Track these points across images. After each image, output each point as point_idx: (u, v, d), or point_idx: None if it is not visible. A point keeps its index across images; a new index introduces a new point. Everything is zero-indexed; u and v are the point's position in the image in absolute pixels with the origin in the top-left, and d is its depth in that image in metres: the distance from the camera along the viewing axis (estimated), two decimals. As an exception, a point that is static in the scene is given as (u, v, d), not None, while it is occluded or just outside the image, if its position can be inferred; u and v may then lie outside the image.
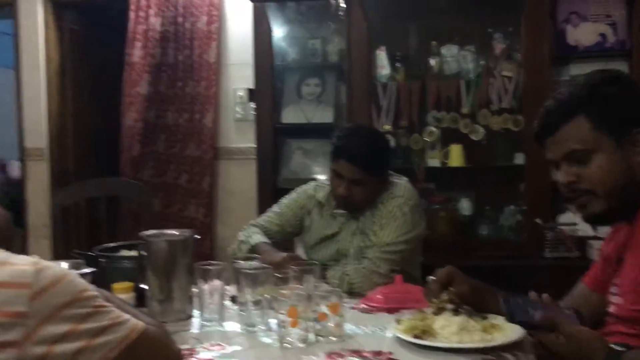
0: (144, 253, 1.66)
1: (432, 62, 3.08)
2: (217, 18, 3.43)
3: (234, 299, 1.66)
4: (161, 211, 3.37)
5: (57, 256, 3.03)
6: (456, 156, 3.03)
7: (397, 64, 3.10)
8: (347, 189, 1.90)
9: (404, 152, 3.07)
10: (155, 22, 3.45)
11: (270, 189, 3.15)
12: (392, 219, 1.91)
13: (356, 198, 1.93)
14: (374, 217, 1.95)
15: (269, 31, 3.15)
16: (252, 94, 3.40)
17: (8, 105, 6.61)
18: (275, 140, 3.23)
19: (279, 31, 3.24)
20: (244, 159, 3.43)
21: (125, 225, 3.21)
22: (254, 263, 1.66)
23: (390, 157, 2.05)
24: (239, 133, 3.51)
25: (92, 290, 1.07)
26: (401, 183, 2.00)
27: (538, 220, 2.81)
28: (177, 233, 1.70)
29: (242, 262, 1.69)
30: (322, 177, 3.13)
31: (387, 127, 3.04)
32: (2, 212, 1.17)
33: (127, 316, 1.11)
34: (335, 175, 1.94)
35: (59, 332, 0.97)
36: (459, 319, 1.34)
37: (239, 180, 3.46)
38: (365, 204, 1.96)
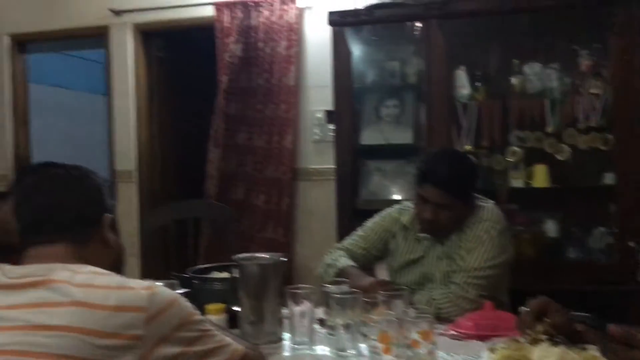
0: (236, 275, 1.72)
1: (514, 80, 3.02)
2: (296, 42, 3.51)
3: (322, 322, 1.68)
4: (242, 231, 3.46)
5: (146, 275, 3.16)
6: (541, 176, 2.96)
7: (478, 83, 3.07)
8: (433, 213, 1.90)
9: (486, 172, 3.02)
10: (236, 48, 3.58)
11: (349, 210, 3.17)
12: (479, 243, 1.89)
13: (442, 222, 1.91)
14: (460, 242, 1.93)
15: (347, 54, 3.19)
16: (330, 116, 3.45)
17: (99, 130, 7.01)
18: (354, 161, 3.25)
19: (357, 53, 3.27)
20: (323, 180, 3.48)
21: (210, 246, 3.32)
22: (344, 287, 1.67)
23: (477, 181, 2.02)
24: (317, 154, 3.57)
25: (199, 314, 1.12)
26: (488, 206, 1.98)
27: (631, 244, 2.68)
28: (267, 256, 1.75)
29: (330, 285, 1.71)
30: (399, 197, 3.17)
31: (468, 148, 3.00)
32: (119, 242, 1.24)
33: (229, 340, 1.15)
34: (420, 199, 1.93)
35: (171, 354, 1.02)
36: (558, 350, 1.30)
37: (318, 201, 3.51)
38: (451, 228, 1.94)
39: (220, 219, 2.89)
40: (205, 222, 2.84)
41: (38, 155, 4.42)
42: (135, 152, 3.91)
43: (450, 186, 1.88)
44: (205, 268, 2.00)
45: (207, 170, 3.61)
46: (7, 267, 1.09)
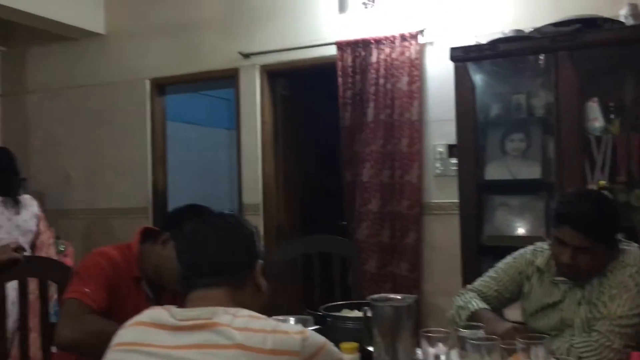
0: (369, 315, 1.75)
1: (652, 111, 2.86)
2: (417, 77, 3.54)
3: (456, 366, 1.66)
4: (368, 267, 3.50)
5: (275, 309, 3.27)
6: (686, 213, 2.75)
7: (612, 116, 2.93)
8: (572, 257, 1.82)
9: (623, 209, 2.85)
10: (357, 84, 3.67)
11: (474, 246, 3.12)
12: (624, 289, 1.79)
13: (581, 266, 1.84)
14: (602, 287, 1.84)
15: (470, 87, 3.17)
16: (452, 150, 3.43)
17: (224, 162, 7.42)
18: (478, 196, 3.20)
19: (480, 86, 3.24)
20: (445, 215, 3.45)
21: (338, 282, 3.36)
22: (479, 332, 1.65)
23: (619, 223, 1.92)
24: (439, 188, 3.55)
25: (343, 357, 1.17)
26: (632, 250, 1.87)
27: None
28: (400, 297, 1.76)
29: (465, 330, 1.69)
30: (525, 234, 3.07)
31: (603, 183, 2.86)
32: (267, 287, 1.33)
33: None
34: (557, 241, 1.87)
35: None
36: None
37: (441, 235, 3.48)
38: (591, 273, 1.86)
39: (346, 255, 2.94)
40: (333, 257, 2.90)
41: (173, 189, 4.75)
42: (261, 186, 4.09)
43: (591, 229, 1.80)
44: (336, 305, 2.05)
45: (333, 206, 3.71)
46: (175, 310, 1.20)
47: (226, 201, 6.88)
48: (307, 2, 3.96)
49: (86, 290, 1.72)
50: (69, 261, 3.56)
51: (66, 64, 4.77)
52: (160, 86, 4.51)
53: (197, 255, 1.24)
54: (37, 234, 3.06)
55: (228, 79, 4.28)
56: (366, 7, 3.76)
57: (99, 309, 1.73)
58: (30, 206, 3.11)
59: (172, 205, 4.89)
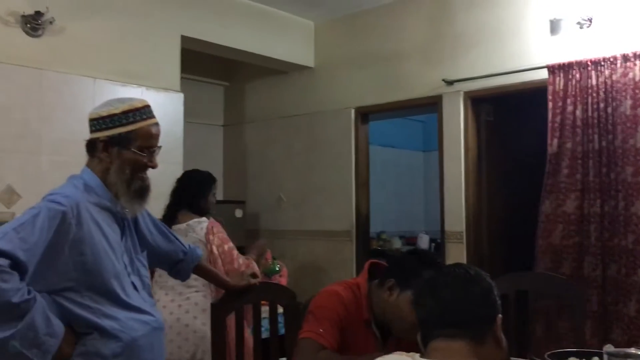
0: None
1: None
2: (643, 101, 3.24)
3: None
4: (594, 309, 3.26)
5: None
6: None
7: None
8: None
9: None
10: (572, 109, 3.46)
11: None
12: None
13: None
14: None
15: None
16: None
17: (419, 185, 7.46)
18: None
19: None
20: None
21: (555, 324, 3.17)
22: None
23: None
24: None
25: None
26: None
27: None
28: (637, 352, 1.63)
29: None
30: None
31: None
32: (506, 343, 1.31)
33: None
34: None
35: None
36: None
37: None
38: None
39: (568, 296, 2.76)
40: (547, 296, 2.73)
41: (374, 212, 4.90)
42: (464, 213, 4.03)
43: None
44: (562, 352, 1.94)
45: (540, 236, 3.52)
46: (417, 356, 1.24)
47: (421, 225, 6.90)
48: (515, 26, 3.85)
49: (320, 330, 1.80)
50: (283, 281, 3.83)
51: (279, 95, 5.18)
52: (364, 114, 4.68)
53: (436, 304, 1.27)
54: (210, 261, 2.87)
55: (430, 105, 4.31)
56: (581, 28, 3.55)
57: (332, 349, 1.80)
58: (193, 232, 2.98)
59: (374, 229, 5.05)
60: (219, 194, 5.10)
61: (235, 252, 3.03)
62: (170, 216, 3.04)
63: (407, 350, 1.88)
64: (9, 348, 1.49)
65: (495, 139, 4.17)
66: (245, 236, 4.74)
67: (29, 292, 1.53)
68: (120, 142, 1.77)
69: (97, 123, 1.78)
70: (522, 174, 4.17)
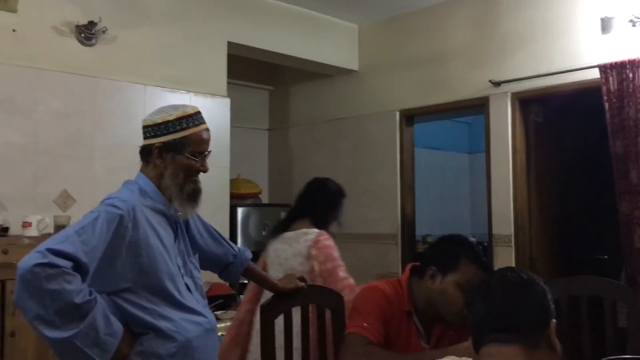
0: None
1: None
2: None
3: None
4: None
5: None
6: None
7: None
8: None
9: None
10: (635, 110, 3.35)
11: None
12: None
13: None
14: None
15: None
16: None
17: (465, 187, 7.36)
18: None
19: None
20: None
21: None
22: None
23: None
24: None
25: None
26: None
27: None
28: None
29: None
30: None
31: None
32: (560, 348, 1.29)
33: None
34: None
35: None
36: None
37: None
38: None
39: (623, 301, 2.69)
40: (603, 302, 2.65)
41: (419, 215, 4.86)
42: (512, 216, 3.96)
43: None
44: (617, 359, 1.89)
45: (588, 239, 3.44)
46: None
47: (467, 228, 6.81)
48: (564, 25, 3.77)
49: (365, 324, 1.84)
50: (329, 284, 3.84)
51: (323, 98, 5.21)
52: (409, 117, 4.66)
53: (489, 309, 1.26)
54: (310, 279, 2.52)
55: (477, 107, 4.26)
56: (634, 26, 3.45)
57: (378, 342, 1.84)
58: (296, 243, 2.71)
59: (419, 232, 5.01)
60: (264, 196, 5.18)
61: (341, 272, 2.62)
62: (287, 221, 2.83)
63: (450, 343, 1.89)
64: (72, 347, 1.55)
65: (545, 140, 4.09)
66: (291, 239, 4.76)
67: (90, 293, 1.59)
68: (175, 148, 1.81)
69: (151, 130, 1.83)
70: (573, 176, 4.07)
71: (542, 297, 1.27)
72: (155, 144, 1.82)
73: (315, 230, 2.73)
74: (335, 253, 2.68)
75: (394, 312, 1.92)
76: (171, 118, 1.82)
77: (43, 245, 1.55)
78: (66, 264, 1.54)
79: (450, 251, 1.92)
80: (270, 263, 2.81)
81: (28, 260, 1.52)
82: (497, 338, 1.22)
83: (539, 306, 1.25)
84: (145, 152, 1.85)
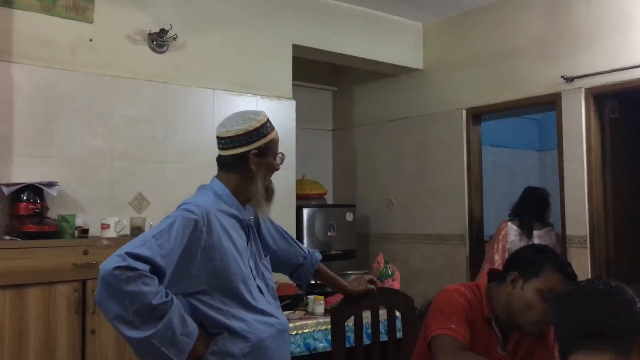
0: None
1: None
2: None
3: None
4: None
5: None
6: None
7: None
8: None
9: None
10: None
11: None
12: None
13: None
14: None
15: None
16: None
17: (534, 184, 7.10)
18: None
19: None
20: None
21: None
22: None
23: None
24: None
25: None
26: None
27: None
28: None
29: None
30: None
31: None
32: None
33: None
34: None
35: None
36: None
37: None
38: None
39: None
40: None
41: (487, 215, 4.75)
42: (588, 216, 3.81)
43: None
44: None
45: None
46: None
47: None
48: (639, 19, 3.60)
49: (453, 326, 1.81)
50: (396, 285, 3.81)
51: (387, 98, 5.18)
52: (476, 115, 4.57)
53: (577, 316, 1.21)
54: None
55: (548, 104, 4.13)
56: None
57: (467, 343, 1.80)
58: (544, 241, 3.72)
59: (487, 232, 4.91)
60: (329, 197, 5.20)
61: None
62: (529, 225, 3.93)
63: (527, 350, 1.83)
64: (150, 346, 1.61)
65: (621, 136, 3.91)
66: (356, 239, 4.77)
67: (166, 295, 1.65)
68: (266, 151, 1.90)
69: (243, 138, 1.88)
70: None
71: (632, 305, 1.21)
72: (251, 150, 1.88)
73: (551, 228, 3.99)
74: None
75: (475, 316, 1.88)
76: (258, 125, 1.89)
77: (122, 249, 1.63)
78: (144, 267, 1.60)
79: (534, 257, 1.87)
80: None
81: (108, 263, 1.59)
82: (586, 345, 1.18)
83: (630, 313, 1.20)
84: (236, 160, 1.89)
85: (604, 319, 1.19)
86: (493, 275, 1.99)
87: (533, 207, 3.99)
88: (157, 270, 1.64)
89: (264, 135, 1.89)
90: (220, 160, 1.93)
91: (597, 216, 3.80)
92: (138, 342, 1.61)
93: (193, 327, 1.71)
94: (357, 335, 2.29)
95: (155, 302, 1.60)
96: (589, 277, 3.72)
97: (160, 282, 1.65)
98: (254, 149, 1.87)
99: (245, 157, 1.88)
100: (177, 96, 3.67)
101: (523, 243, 3.71)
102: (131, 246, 1.64)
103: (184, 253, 1.71)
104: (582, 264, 3.74)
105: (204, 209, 1.79)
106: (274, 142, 1.93)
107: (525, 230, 3.93)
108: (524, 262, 1.88)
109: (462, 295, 1.89)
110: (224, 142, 1.90)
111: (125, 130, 3.46)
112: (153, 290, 1.61)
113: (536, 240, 3.85)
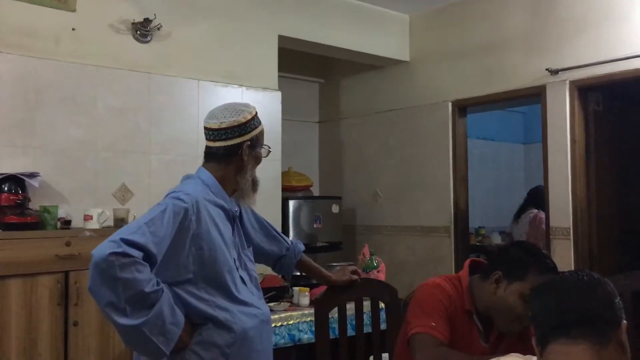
0: None
1: None
2: None
3: None
4: None
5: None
6: None
7: None
8: None
9: None
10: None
11: None
12: None
13: None
14: None
15: None
16: None
17: (519, 179, 7.18)
18: None
19: None
20: None
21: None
22: None
23: None
24: None
25: None
26: None
27: None
28: None
29: None
30: None
31: None
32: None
33: None
34: None
35: None
36: None
37: None
38: None
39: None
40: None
41: (472, 207, 4.77)
42: (571, 208, 3.84)
43: None
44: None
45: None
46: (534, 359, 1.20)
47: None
48: (625, 11, 3.62)
49: (432, 324, 1.79)
50: (381, 277, 3.82)
51: (373, 90, 5.17)
52: (462, 107, 4.57)
53: (558, 305, 1.22)
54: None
55: (533, 96, 4.14)
56: (703, 7, 3.28)
57: (446, 342, 1.79)
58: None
59: (472, 224, 4.93)
60: (315, 189, 5.19)
61: None
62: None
63: (509, 342, 1.84)
64: (139, 334, 1.60)
65: (605, 129, 3.94)
66: (342, 231, 4.77)
67: (157, 283, 1.64)
68: (257, 143, 1.94)
69: (237, 129, 1.89)
70: (636, 166, 3.92)
71: (613, 296, 1.22)
72: (245, 141, 1.89)
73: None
74: None
75: (456, 310, 1.86)
76: (250, 117, 1.91)
77: (117, 235, 1.61)
78: (138, 253, 1.59)
79: (520, 259, 1.81)
80: None
81: (103, 249, 1.57)
82: (565, 334, 1.18)
83: (610, 304, 1.20)
84: (228, 151, 1.89)
85: (585, 310, 1.19)
86: (475, 267, 1.98)
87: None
88: (149, 258, 1.63)
89: (256, 127, 1.92)
90: (210, 151, 1.92)
91: (581, 208, 3.82)
92: (128, 329, 1.61)
93: (181, 316, 1.71)
94: (341, 327, 2.29)
95: (147, 289, 1.60)
96: (572, 268, 3.76)
97: (151, 269, 1.64)
98: (247, 140, 1.90)
99: (237, 148, 1.89)
100: (161, 87, 3.63)
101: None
102: (125, 232, 1.62)
103: (174, 241, 1.71)
104: (565, 256, 3.77)
105: (193, 197, 1.78)
106: (262, 134, 1.97)
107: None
108: (510, 262, 1.83)
109: (442, 291, 1.87)
110: (216, 133, 1.89)
111: (109, 120, 3.43)
112: (146, 277, 1.60)
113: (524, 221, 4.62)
